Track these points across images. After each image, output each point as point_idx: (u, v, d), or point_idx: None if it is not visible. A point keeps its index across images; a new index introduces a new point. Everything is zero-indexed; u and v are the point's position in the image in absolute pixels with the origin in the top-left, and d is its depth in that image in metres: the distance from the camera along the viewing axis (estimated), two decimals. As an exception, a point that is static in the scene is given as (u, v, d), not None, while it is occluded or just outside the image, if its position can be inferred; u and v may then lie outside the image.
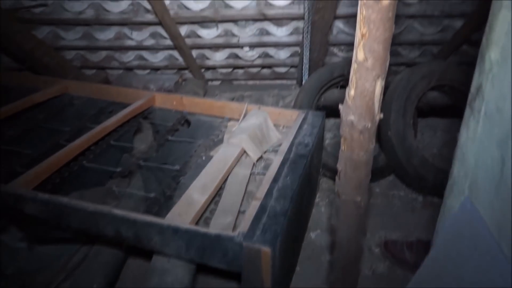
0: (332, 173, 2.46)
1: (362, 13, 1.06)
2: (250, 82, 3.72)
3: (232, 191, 1.66)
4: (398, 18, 2.76)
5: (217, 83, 3.77)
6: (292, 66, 3.42)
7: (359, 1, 1.08)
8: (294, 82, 3.58)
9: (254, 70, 3.51)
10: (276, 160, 1.71)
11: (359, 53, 1.12)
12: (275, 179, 1.56)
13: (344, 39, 2.91)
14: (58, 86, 2.46)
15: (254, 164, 1.88)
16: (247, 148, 1.85)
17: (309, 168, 1.78)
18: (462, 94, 2.41)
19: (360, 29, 1.09)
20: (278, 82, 3.67)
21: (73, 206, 1.41)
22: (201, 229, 1.31)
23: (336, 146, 2.82)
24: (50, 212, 1.46)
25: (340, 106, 1.31)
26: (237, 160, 1.82)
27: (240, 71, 3.55)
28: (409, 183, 2.44)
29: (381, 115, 1.25)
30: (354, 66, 1.16)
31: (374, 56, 1.09)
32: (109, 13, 2.69)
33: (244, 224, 1.34)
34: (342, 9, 2.50)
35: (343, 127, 1.30)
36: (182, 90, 3.43)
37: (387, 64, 1.15)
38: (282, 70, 3.49)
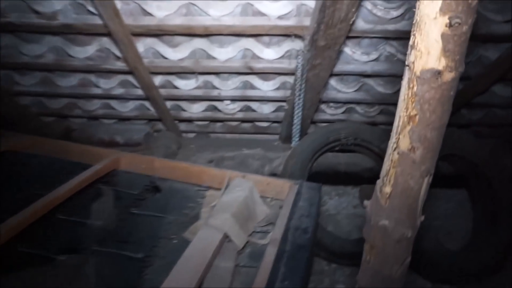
0: (326, 253, 2.12)
1: (411, 89, 0.76)
2: (229, 136, 3.42)
3: (212, 296, 1.28)
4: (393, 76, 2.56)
5: (192, 135, 3.45)
6: (275, 121, 3.16)
7: (407, 72, 0.78)
8: (277, 137, 3.31)
9: (234, 123, 3.22)
10: (269, 253, 1.35)
11: (402, 141, 0.81)
12: (270, 284, 1.19)
13: (334, 96, 2.67)
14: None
15: (238, 251, 1.51)
16: (231, 233, 1.49)
17: (310, 264, 1.43)
18: (470, 164, 2.17)
19: (407, 109, 0.78)
20: (259, 136, 3.39)
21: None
22: None
23: (328, 218, 2.50)
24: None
25: (366, 203, 1.00)
26: (219, 248, 1.45)
27: (219, 124, 3.25)
28: (418, 269, 2.12)
29: (423, 217, 0.94)
30: (393, 156, 0.85)
31: (425, 146, 0.79)
32: (73, 58, 2.35)
33: None
34: (338, 66, 2.27)
35: (370, 233, 0.97)
36: (153, 143, 3.08)
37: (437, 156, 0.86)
38: (264, 124, 3.21)
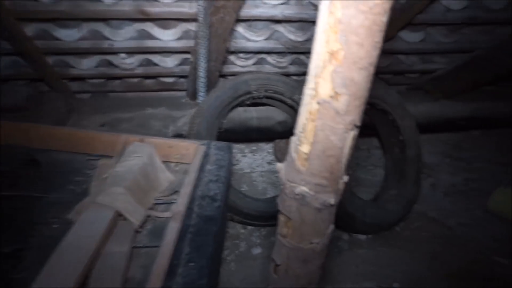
0: (240, 216, 1.98)
1: (333, 14, 0.57)
2: (130, 95, 3.05)
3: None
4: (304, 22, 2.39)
5: (87, 95, 3.01)
6: (181, 76, 2.86)
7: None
8: (184, 94, 3.03)
9: (135, 80, 2.86)
10: (171, 230, 1.14)
11: (322, 86, 0.62)
12: (172, 271, 0.99)
13: (243, 45, 2.44)
14: None
15: (136, 230, 1.28)
16: (124, 210, 1.25)
17: (221, 234, 1.25)
18: (381, 112, 2.13)
19: (328, 43, 0.59)
20: (165, 94, 3.07)
21: None
22: None
23: (243, 178, 2.34)
24: None
25: (279, 166, 0.82)
26: (109, 230, 1.20)
27: (117, 81, 2.86)
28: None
29: (346, 178, 0.79)
30: (311, 106, 0.67)
31: (351, 91, 0.61)
32: None
33: None
34: (245, 11, 2.03)
35: (285, 202, 0.80)
36: (38, 107, 2.61)
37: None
38: (170, 80, 2.90)
